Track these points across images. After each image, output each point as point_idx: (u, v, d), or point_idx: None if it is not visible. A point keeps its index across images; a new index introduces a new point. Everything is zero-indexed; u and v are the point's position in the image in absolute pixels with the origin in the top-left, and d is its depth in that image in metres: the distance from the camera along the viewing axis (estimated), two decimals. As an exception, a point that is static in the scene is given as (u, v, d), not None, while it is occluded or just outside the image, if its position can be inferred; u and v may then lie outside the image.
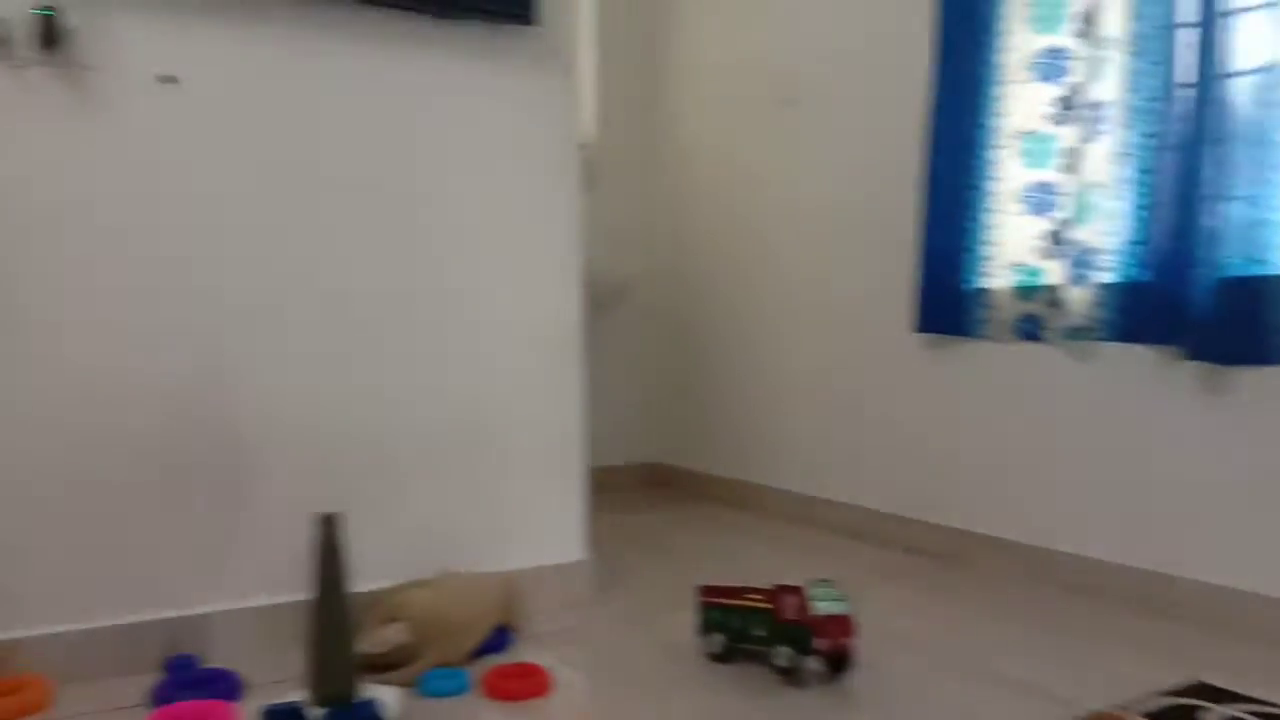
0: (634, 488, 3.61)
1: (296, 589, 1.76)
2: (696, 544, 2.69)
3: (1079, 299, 2.13)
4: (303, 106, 1.77)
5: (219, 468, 1.72)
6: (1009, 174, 2.29)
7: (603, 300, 3.14)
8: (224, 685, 1.53)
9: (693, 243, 3.47)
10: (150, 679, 1.60)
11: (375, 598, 1.70)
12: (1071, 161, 2.15)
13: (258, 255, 1.74)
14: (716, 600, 1.74)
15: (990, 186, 2.32)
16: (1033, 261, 2.26)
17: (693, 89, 3.46)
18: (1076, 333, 2.15)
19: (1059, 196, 2.20)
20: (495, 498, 2.01)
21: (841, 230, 2.82)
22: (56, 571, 1.60)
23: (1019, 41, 2.27)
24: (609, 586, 2.21)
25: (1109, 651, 1.79)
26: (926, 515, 2.57)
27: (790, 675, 1.61)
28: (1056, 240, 2.20)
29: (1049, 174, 2.23)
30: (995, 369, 2.37)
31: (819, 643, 1.58)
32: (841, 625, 1.60)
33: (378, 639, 1.61)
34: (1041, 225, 2.24)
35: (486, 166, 1.96)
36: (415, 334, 1.90)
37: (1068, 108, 2.17)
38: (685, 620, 1.93)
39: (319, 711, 1.32)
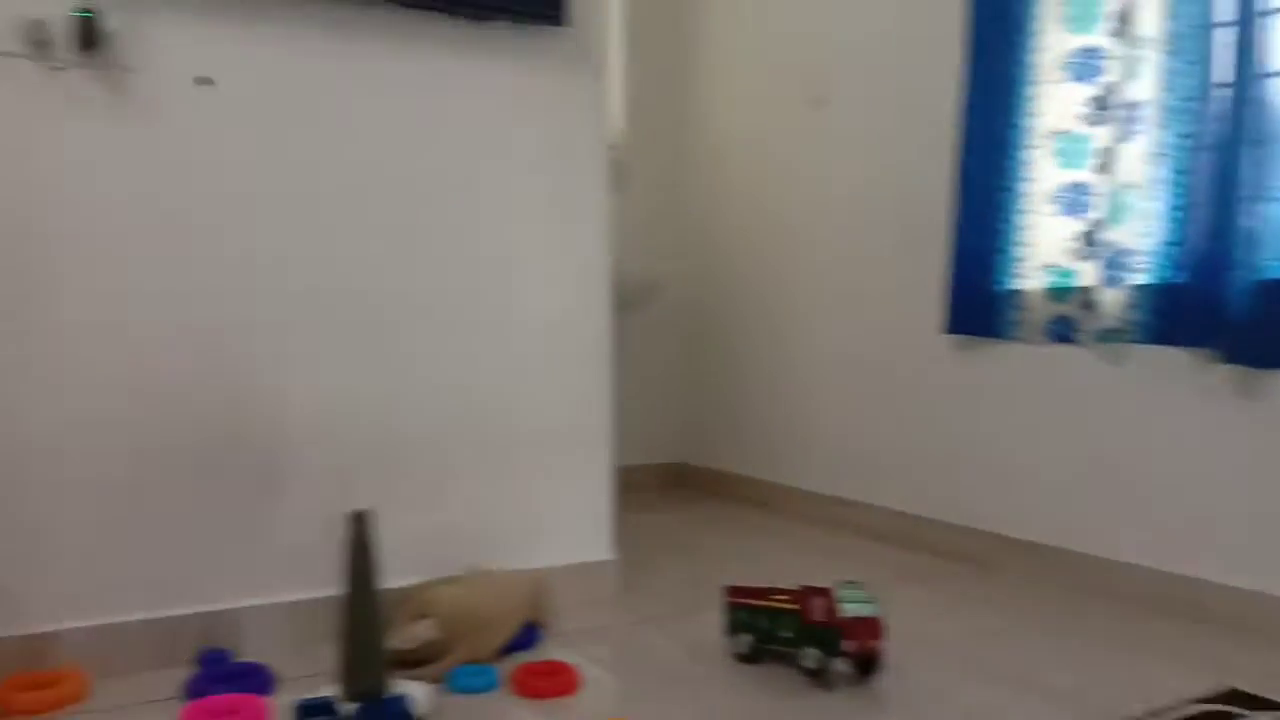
0: (658, 487, 3.61)
1: (327, 585, 1.77)
2: (721, 544, 2.69)
3: (1112, 301, 2.11)
4: (334, 108, 1.78)
5: (251, 466, 1.74)
6: (1042, 174, 2.27)
7: (630, 300, 3.14)
8: (256, 679, 1.55)
9: (721, 243, 3.46)
10: (183, 672, 1.63)
11: (405, 594, 1.72)
12: (1106, 162, 2.13)
13: (290, 255, 1.76)
14: (743, 601, 1.74)
15: (1023, 187, 2.30)
16: (1065, 263, 2.24)
17: (722, 88, 3.46)
18: (1109, 335, 2.12)
19: (1093, 197, 2.18)
20: (523, 496, 2.01)
21: (871, 230, 2.81)
22: (93, 567, 1.62)
23: (1052, 41, 2.25)
24: (634, 586, 2.21)
25: (1139, 657, 1.77)
26: (954, 518, 2.55)
27: (818, 677, 1.61)
28: (1090, 241, 2.18)
29: (1083, 174, 2.20)
30: (1026, 371, 2.35)
31: (847, 645, 1.58)
32: (870, 627, 1.59)
33: (408, 635, 1.62)
34: (1075, 226, 2.22)
35: (517, 167, 1.97)
36: (445, 333, 1.91)
37: (1102, 108, 2.15)
38: (711, 620, 1.93)
39: (350, 706, 1.33)
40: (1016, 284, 2.32)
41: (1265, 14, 1.82)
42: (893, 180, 2.72)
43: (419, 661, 1.62)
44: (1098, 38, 2.17)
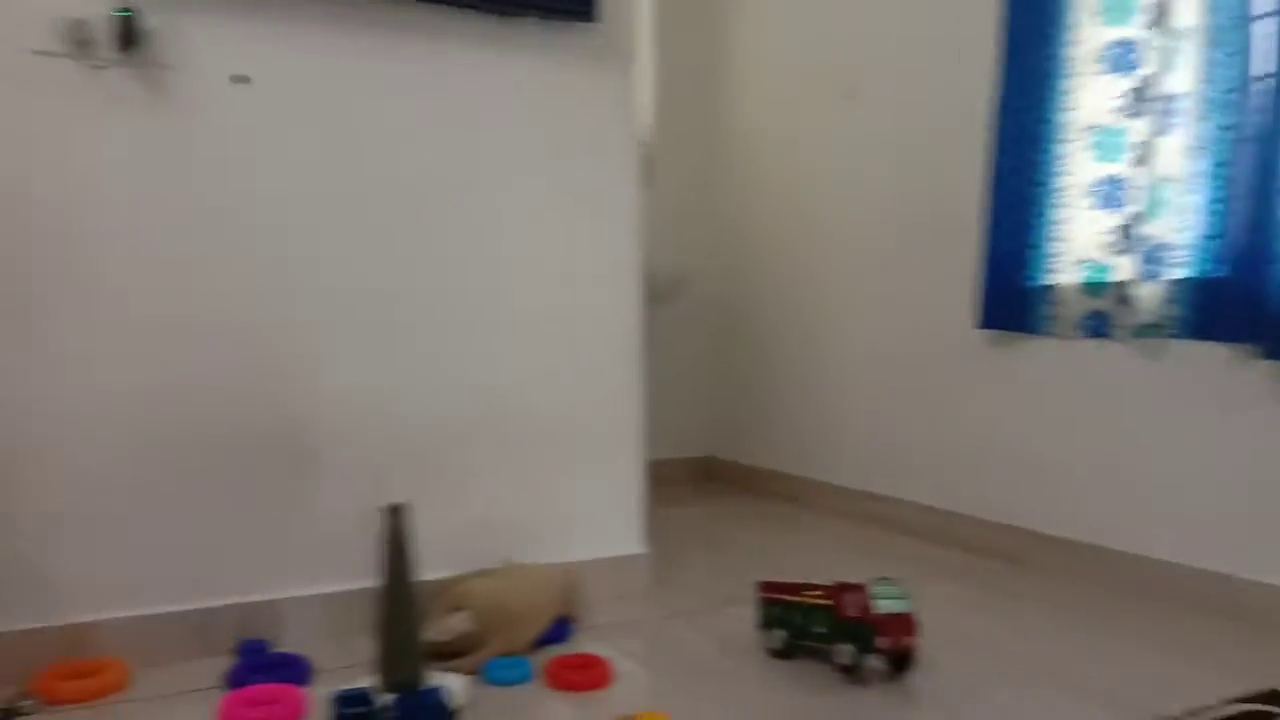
0: (688, 481, 3.61)
1: (364, 577, 1.79)
2: (752, 539, 2.69)
3: (1150, 295, 2.09)
4: (367, 105, 1.80)
5: (289, 460, 1.76)
6: (1078, 169, 2.25)
7: (660, 294, 3.15)
8: (295, 670, 1.57)
9: (752, 237, 3.46)
10: (222, 662, 1.65)
11: (441, 587, 1.73)
12: (1143, 155, 2.10)
13: (324, 253, 1.78)
14: (776, 596, 1.74)
15: (1058, 182, 2.27)
16: (1102, 257, 2.22)
17: (753, 84, 3.45)
18: (1146, 330, 2.10)
19: (1130, 191, 2.15)
20: (555, 490, 2.02)
21: (903, 225, 2.79)
22: (134, 559, 1.65)
23: (1088, 34, 2.22)
24: (665, 580, 2.22)
25: (1175, 655, 1.75)
26: (986, 514, 2.54)
27: (852, 673, 1.61)
28: (1127, 236, 2.16)
29: (1119, 168, 2.18)
30: (1061, 366, 2.33)
31: (881, 641, 1.57)
32: (904, 624, 1.59)
33: (443, 627, 1.64)
34: (1111, 220, 2.20)
35: (548, 163, 1.97)
36: (478, 329, 1.92)
37: (1140, 100, 2.12)
38: (742, 615, 1.93)
39: (388, 698, 1.34)
40: (1051, 279, 2.30)
41: (1308, 4, 1.79)
42: (925, 175, 2.70)
43: (454, 654, 1.63)
44: (1134, 30, 2.14)
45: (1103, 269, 2.22)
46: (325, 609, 1.78)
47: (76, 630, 1.60)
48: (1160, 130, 2.06)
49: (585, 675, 1.58)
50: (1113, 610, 2.03)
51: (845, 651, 1.61)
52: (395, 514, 1.44)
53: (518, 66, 1.92)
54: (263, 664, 1.59)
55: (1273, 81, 1.85)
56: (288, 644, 1.74)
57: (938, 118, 2.65)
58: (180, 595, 1.68)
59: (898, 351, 2.82)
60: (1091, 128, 2.23)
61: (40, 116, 1.55)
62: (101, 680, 1.52)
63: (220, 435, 1.70)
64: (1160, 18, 2.05)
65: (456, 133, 1.88)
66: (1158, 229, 2.07)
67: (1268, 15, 1.86)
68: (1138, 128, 2.13)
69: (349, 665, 1.63)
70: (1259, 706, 1.49)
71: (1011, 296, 2.38)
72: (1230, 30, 1.92)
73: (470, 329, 1.92)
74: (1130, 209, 2.15)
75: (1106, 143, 2.20)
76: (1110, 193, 2.20)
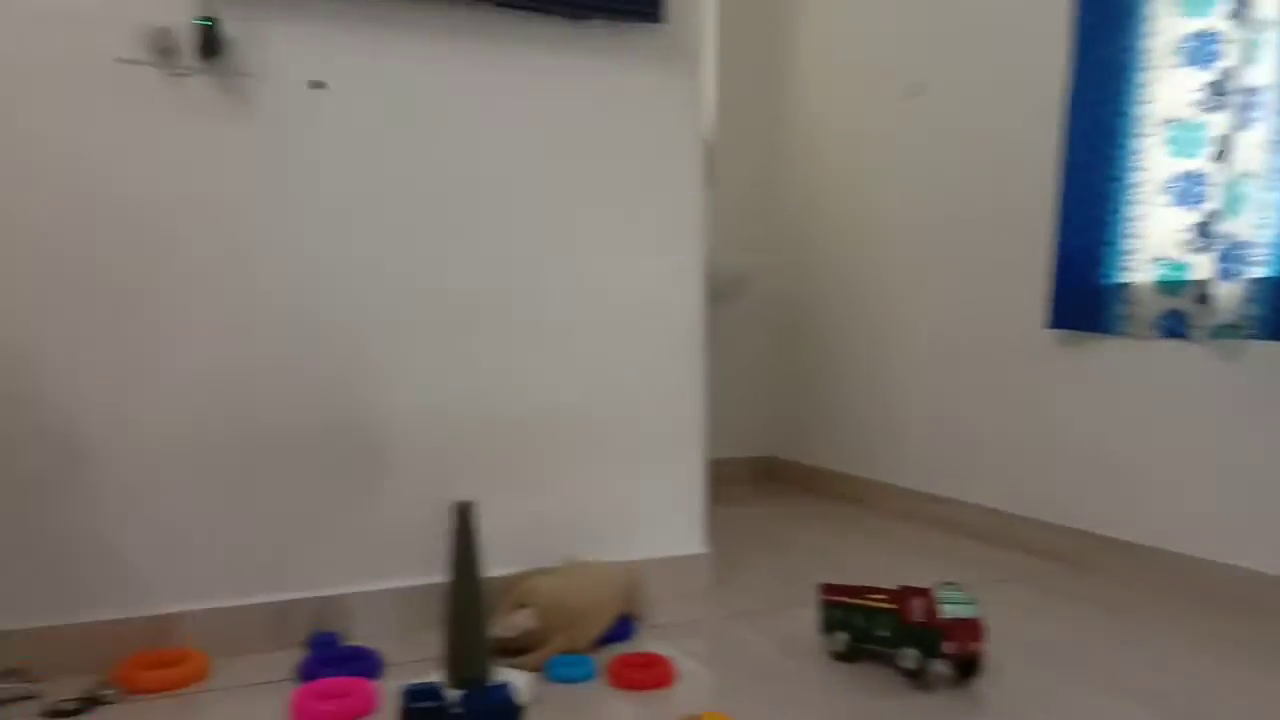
0: (749, 481, 3.60)
1: (432, 572, 1.83)
2: (813, 540, 2.67)
3: (1228, 295, 2.02)
4: (438, 109, 1.82)
5: (360, 458, 1.80)
6: (1153, 164, 2.19)
7: (723, 292, 3.14)
8: (366, 663, 1.60)
9: (815, 235, 3.43)
10: (294, 654, 1.70)
11: (506, 583, 1.75)
12: (1222, 150, 2.04)
13: (399, 253, 1.81)
14: (839, 599, 1.73)
15: (1133, 178, 2.22)
16: (1178, 256, 2.16)
17: (817, 81, 3.42)
18: (1224, 330, 2.04)
19: (1208, 187, 2.09)
20: (618, 488, 2.04)
21: (971, 222, 2.75)
22: (214, 553, 1.70)
23: (1165, 25, 2.16)
24: (726, 580, 2.22)
25: (1244, 663, 1.70)
26: (1052, 516, 2.49)
27: (916, 678, 1.59)
28: (1205, 233, 2.09)
29: (1197, 163, 2.12)
30: (1134, 367, 2.28)
31: (948, 646, 1.55)
32: (971, 629, 1.56)
33: (507, 624, 1.66)
34: (1189, 217, 2.14)
35: (614, 164, 1.98)
36: (543, 328, 1.94)
37: (1219, 94, 2.06)
38: (804, 617, 1.92)
39: (456, 693, 1.37)
40: (1125, 277, 2.25)
41: (1401, -7, 1.72)
42: (993, 170, 2.65)
43: (518, 650, 1.66)
44: (1214, 21, 2.08)
45: (1179, 267, 2.16)
46: (395, 604, 1.82)
47: (158, 621, 1.65)
48: (1240, 125, 1.99)
49: (648, 674, 1.59)
50: (1181, 615, 1.98)
51: (910, 656, 1.59)
52: (463, 511, 1.46)
53: (585, 69, 1.94)
54: (334, 657, 1.62)
55: (1362, 73, 1.79)
56: (358, 637, 1.78)
57: (1006, 112, 2.60)
58: (256, 588, 1.73)
59: (964, 351, 2.78)
60: (1168, 122, 2.17)
61: (124, 124, 1.60)
62: (182, 670, 1.57)
63: (296, 434, 1.75)
64: (1241, 8, 1.99)
65: (526, 135, 1.90)
66: (1237, 226, 2.01)
67: (1357, 4, 1.79)
68: (1217, 122, 2.06)
69: (418, 660, 1.66)
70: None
71: (1084, 295, 2.33)
72: (1317, 20, 1.86)
73: (535, 329, 1.94)
74: (1208, 206, 2.09)
75: (1184, 137, 2.14)
76: (1187, 189, 2.14)
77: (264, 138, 1.69)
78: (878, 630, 1.65)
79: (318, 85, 1.71)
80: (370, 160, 1.78)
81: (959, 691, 1.57)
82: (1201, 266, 2.10)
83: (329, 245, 1.76)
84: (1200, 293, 2.08)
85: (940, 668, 1.58)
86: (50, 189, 1.56)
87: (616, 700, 1.54)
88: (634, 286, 2.03)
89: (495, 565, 1.83)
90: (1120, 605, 2.06)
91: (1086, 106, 2.29)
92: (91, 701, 1.48)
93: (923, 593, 1.60)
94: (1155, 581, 2.22)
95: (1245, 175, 1.99)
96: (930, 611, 1.58)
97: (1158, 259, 2.20)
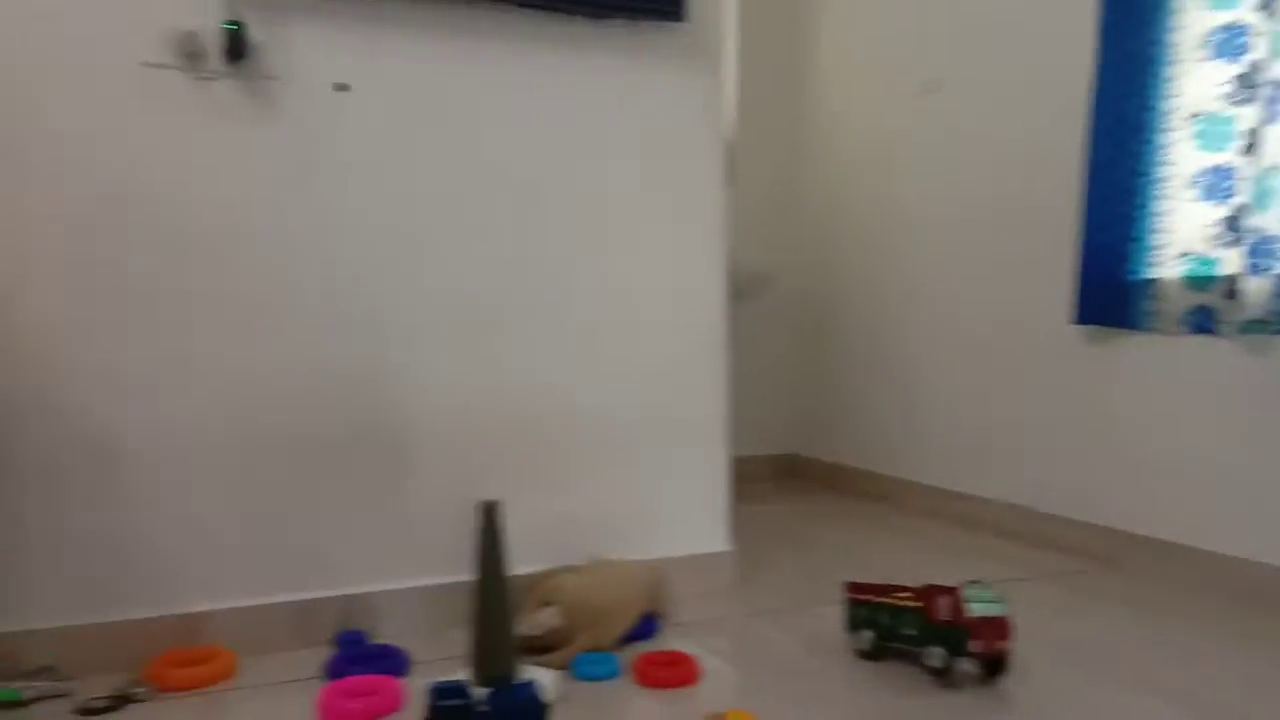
0: (770, 479, 3.60)
1: (457, 571, 1.84)
2: (837, 538, 2.67)
3: (1257, 290, 2.00)
4: (462, 110, 1.83)
5: (387, 458, 1.81)
6: (1181, 158, 2.17)
7: (744, 290, 3.14)
8: (393, 661, 1.61)
9: (836, 232, 3.42)
10: (321, 652, 1.71)
11: (531, 581, 1.76)
12: (1251, 144, 2.01)
13: (421, 254, 1.82)
14: (865, 597, 1.72)
15: (1160, 172, 2.20)
16: (1206, 250, 2.13)
17: (838, 78, 3.41)
18: (1253, 326, 2.01)
19: (1237, 181, 2.07)
20: (642, 487, 2.04)
21: (994, 218, 2.73)
22: (243, 553, 1.72)
23: (1192, 18, 2.14)
24: (750, 578, 2.22)
25: (1276, 662, 1.69)
26: (1078, 514, 2.47)
27: (943, 676, 1.59)
28: (1233, 228, 2.07)
29: (1226, 157, 2.09)
30: (1161, 363, 2.26)
31: (974, 645, 1.55)
32: (998, 628, 1.56)
33: (533, 622, 1.67)
34: (1217, 212, 2.11)
35: (636, 163, 1.98)
36: (567, 327, 1.95)
37: (1248, 87, 2.04)
38: (828, 615, 1.92)
39: (482, 691, 1.37)
40: (1152, 273, 2.23)
41: None
42: (1017, 167, 2.64)
43: (544, 648, 1.66)
44: (1242, 13, 2.05)
45: (1208, 262, 2.13)
46: (421, 602, 1.83)
47: (188, 620, 1.67)
48: (1270, 118, 1.97)
49: (673, 672, 1.59)
50: (1210, 613, 1.96)
51: (936, 654, 1.59)
52: (488, 510, 1.47)
53: (607, 69, 1.94)
54: (361, 655, 1.63)
55: (1395, 65, 1.76)
56: (385, 636, 1.79)
57: (1030, 107, 2.58)
58: (284, 587, 1.75)
59: (988, 347, 2.76)
60: (1195, 116, 2.15)
61: (152, 127, 1.62)
62: (211, 668, 1.58)
63: (323, 434, 1.76)
64: (1270, 1, 1.97)
65: (548, 136, 1.90)
66: (1266, 221, 1.98)
67: (1390, -5, 1.77)
68: (1246, 115, 2.04)
69: (444, 658, 1.67)
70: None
71: (1110, 291, 2.31)
72: (1348, 11, 1.83)
73: (558, 329, 1.94)
74: (1237, 200, 2.07)
75: (1212, 131, 2.12)
76: (1216, 183, 2.12)
77: (290, 140, 1.71)
78: (904, 629, 1.65)
79: (342, 88, 1.73)
80: (394, 162, 1.78)
81: (986, 690, 1.57)
82: (1230, 261, 2.08)
83: (355, 246, 1.77)
84: (1229, 288, 2.06)
85: (967, 666, 1.58)
86: (81, 192, 1.58)
87: (642, 698, 1.54)
88: (657, 285, 2.03)
89: (520, 563, 1.84)
90: (1149, 603, 2.05)
91: (1112, 101, 2.27)
92: (122, 699, 1.50)
93: (949, 591, 1.59)
94: (1185, 579, 2.20)
95: (1275, 169, 1.97)
96: (957, 610, 1.57)
97: (1185, 254, 2.17)
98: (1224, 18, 2.09)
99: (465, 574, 1.85)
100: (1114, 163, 2.27)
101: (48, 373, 1.58)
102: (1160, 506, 2.27)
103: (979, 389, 2.79)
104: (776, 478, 3.62)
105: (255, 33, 1.66)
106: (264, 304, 1.71)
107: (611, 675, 1.62)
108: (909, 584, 1.69)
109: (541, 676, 1.50)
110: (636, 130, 1.98)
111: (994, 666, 1.59)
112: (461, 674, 1.46)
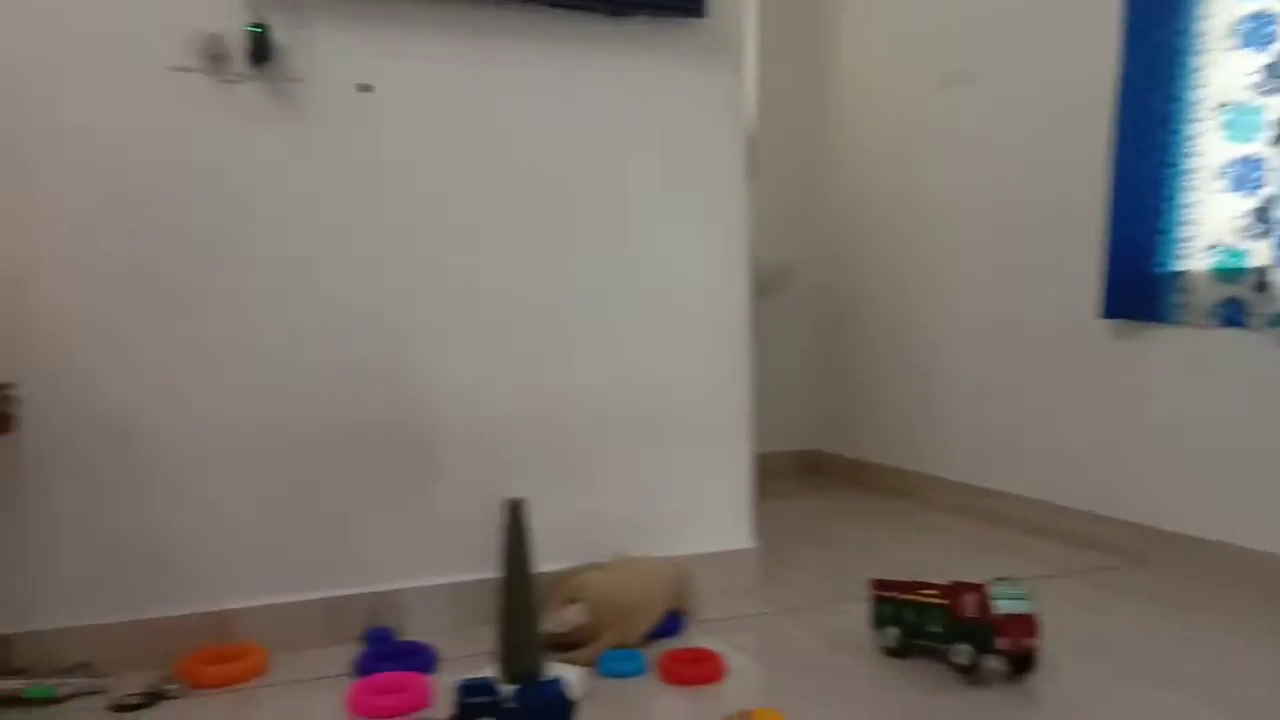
0: (793, 475, 3.59)
1: (484, 568, 1.85)
2: (860, 535, 2.66)
3: (1288, 282, 1.98)
4: (484, 109, 1.84)
5: (415, 457, 1.82)
6: (1209, 149, 2.14)
7: (766, 286, 3.13)
8: (421, 658, 1.63)
9: (859, 227, 3.40)
10: (350, 649, 1.72)
11: (556, 578, 1.77)
12: (1281, 134, 1.99)
13: (447, 253, 1.83)
14: (890, 594, 1.72)
15: (1187, 163, 2.17)
16: (1235, 242, 2.11)
17: (859, 72, 3.39)
18: (1285, 319, 1.99)
19: (1266, 172, 2.04)
20: (666, 485, 2.04)
21: (1019, 211, 2.71)
22: (274, 551, 1.74)
23: (1220, 7, 2.11)
24: (774, 576, 2.21)
25: (1322, 663, 1.67)
26: (1106, 509, 2.45)
27: (969, 673, 1.58)
28: (1263, 219, 2.05)
29: (1255, 148, 2.07)
30: (1190, 356, 2.23)
31: (1001, 642, 1.54)
32: (1025, 625, 1.55)
33: (559, 619, 1.67)
34: (1246, 203, 2.09)
35: (658, 160, 1.98)
36: (590, 325, 1.95)
37: (1276, 76, 2.01)
38: (853, 612, 1.91)
39: (510, 687, 1.38)
40: (1181, 265, 2.20)
41: None
42: (1042, 161, 2.61)
43: (570, 645, 1.67)
44: (1271, 1, 2.02)
45: (1237, 254, 2.11)
46: (448, 599, 1.84)
47: (220, 617, 1.69)
48: (1301, 107, 1.95)
49: (698, 669, 1.59)
50: (1239, 609, 1.94)
51: (963, 651, 1.58)
52: (514, 508, 1.48)
53: (629, 65, 1.94)
54: (389, 652, 1.65)
55: None
56: (413, 633, 1.81)
57: (1055, 100, 2.56)
58: (314, 585, 1.76)
59: (1013, 342, 2.74)
60: (1224, 106, 2.12)
61: (178, 130, 1.64)
62: (243, 665, 1.60)
63: (352, 433, 1.77)
64: (1301, -12, 1.94)
65: (567, 133, 1.90)
66: (1298, 212, 1.96)
67: None
68: (1275, 105, 2.01)
69: (472, 654, 1.68)
70: None
71: (1138, 284, 2.28)
72: (1380, -2, 1.80)
73: (583, 326, 1.95)
74: (1266, 190, 2.04)
75: (1240, 121, 2.09)
76: (1244, 173, 2.09)
77: (314, 141, 1.72)
78: (930, 626, 1.64)
79: (365, 89, 1.74)
80: (418, 162, 1.79)
81: (1013, 687, 1.56)
82: (1260, 253, 2.05)
83: (380, 246, 1.78)
84: (1259, 280, 2.04)
85: (993, 663, 1.57)
86: (109, 193, 1.60)
87: (667, 695, 1.55)
88: (680, 283, 2.03)
89: (546, 561, 1.84)
90: (1178, 599, 2.03)
91: (1138, 92, 2.25)
92: (156, 696, 1.52)
93: (975, 588, 1.59)
94: (1214, 575, 2.17)
95: (1305, 159, 1.94)
96: (983, 607, 1.56)
97: (1214, 246, 2.15)
98: (1252, 6, 2.06)
99: (492, 571, 1.85)
100: (1141, 154, 2.24)
101: (78, 374, 1.61)
102: (1190, 502, 2.25)
103: (1004, 384, 2.77)
104: (799, 474, 3.61)
105: (279, 35, 1.67)
106: (292, 304, 1.72)
107: (637, 672, 1.62)
108: (935, 581, 1.69)
109: (568, 673, 1.50)
110: (658, 127, 1.98)
111: (1021, 664, 1.58)
112: (488, 671, 1.47)
